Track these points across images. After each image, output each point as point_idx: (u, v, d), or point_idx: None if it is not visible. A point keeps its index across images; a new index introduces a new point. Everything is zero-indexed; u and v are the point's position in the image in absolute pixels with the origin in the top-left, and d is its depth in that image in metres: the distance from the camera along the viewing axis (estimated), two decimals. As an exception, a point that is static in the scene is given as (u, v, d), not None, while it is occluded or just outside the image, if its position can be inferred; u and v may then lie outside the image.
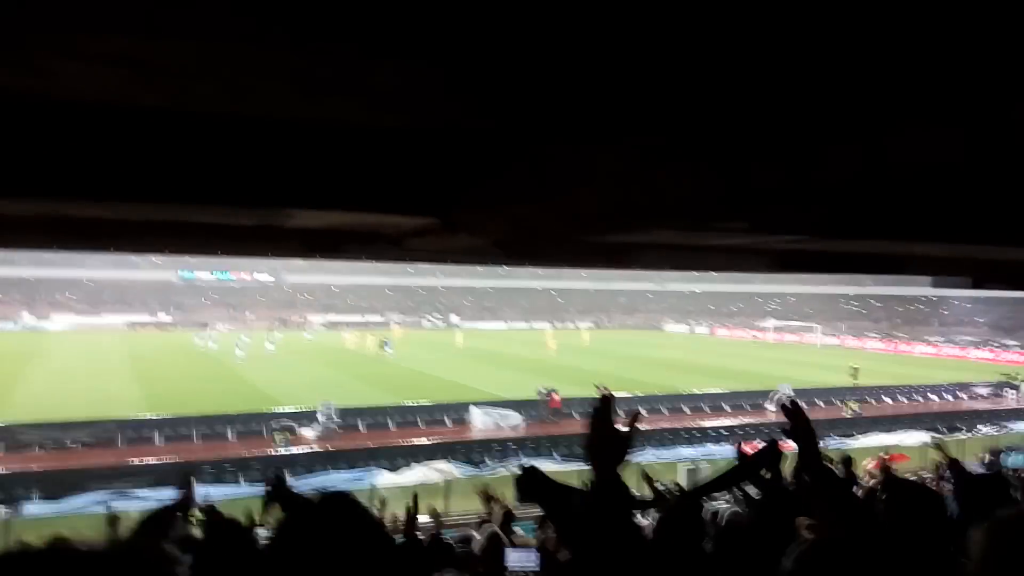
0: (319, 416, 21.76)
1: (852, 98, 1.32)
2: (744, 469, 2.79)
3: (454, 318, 72.66)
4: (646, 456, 20.25)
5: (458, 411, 24.56)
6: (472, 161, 1.52)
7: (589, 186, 1.54)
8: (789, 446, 2.48)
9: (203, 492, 14.45)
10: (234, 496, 14.35)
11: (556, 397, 25.76)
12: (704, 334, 70.02)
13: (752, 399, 28.90)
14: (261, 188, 1.76)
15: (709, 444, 22.16)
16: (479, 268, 68.63)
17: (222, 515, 4.21)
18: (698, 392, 29.33)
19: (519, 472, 3.27)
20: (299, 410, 22.57)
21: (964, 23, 1.02)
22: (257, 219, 2.18)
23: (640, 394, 28.51)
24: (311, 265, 75.33)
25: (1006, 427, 25.34)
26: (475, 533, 6.23)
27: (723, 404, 28.37)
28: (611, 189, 1.52)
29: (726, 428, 23.93)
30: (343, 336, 51.10)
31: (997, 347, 52.04)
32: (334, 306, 75.31)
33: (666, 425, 24.56)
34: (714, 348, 53.77)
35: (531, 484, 3.22)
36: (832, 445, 21.10)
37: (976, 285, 3.68)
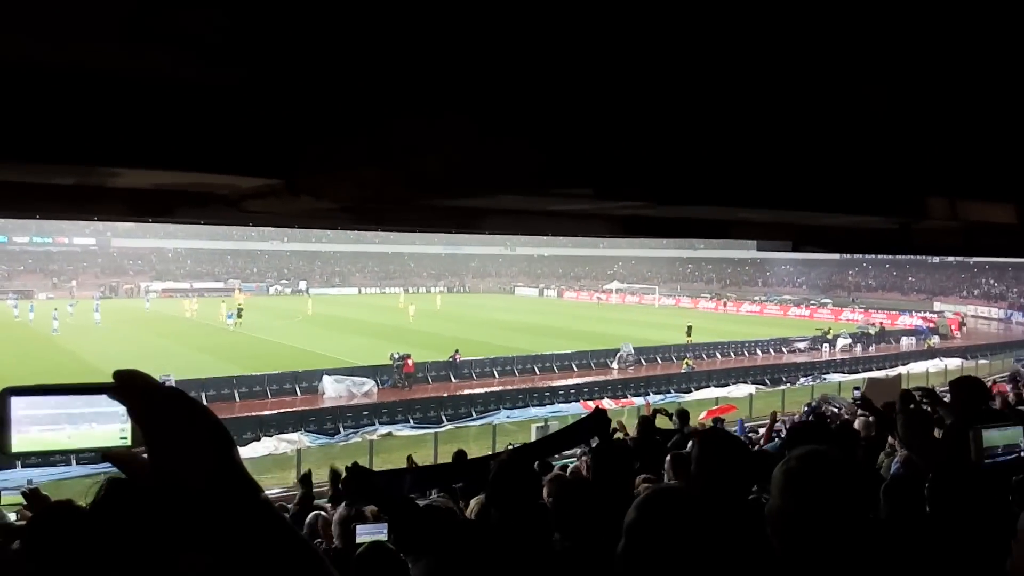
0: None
1: (675, 75, 1.38)
2: (566, 436, 2.89)
3: (302, 284, 70.49)
4: (499, 417, 20.76)
5: (308, 379, 24.00)
6: (311, 121, 1.47)
7: (433, 151, 1.53)
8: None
9: (25, 475, 13.34)
10: (61, 477, 13.40)
11: (410, 362, 25.74)
12: (553, 297, 72.06)
13: (598, 358, 30.20)
14: (79, 144, 1.61)
15: (558, 403, 22.96)
16: (328, 232, 66.74)
17: (47, 499, 3.90)
18: (547, 353, 30.22)
19: (346, 472, 3.20)
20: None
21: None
22: (76, 178, 2.00)
23: (492, 356, 29.07)
24: (141, 228, 70.30)
25: (822, 378, 27.95)
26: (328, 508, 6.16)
27: (571, 364, 29.45)
28: (455, 154, 1.52)
29: (574, 387, 24.89)
30: (183, 304, 48.24)
31: (814, 305, 57.06)
32: (169, 272, 70.89)
33: (518, 386, 25.20)
34: (562, 310, 55.50)
35: (359, 484, 3.19)
36: (670, 399, 22.53)
37: (795, 248, 4.00)
